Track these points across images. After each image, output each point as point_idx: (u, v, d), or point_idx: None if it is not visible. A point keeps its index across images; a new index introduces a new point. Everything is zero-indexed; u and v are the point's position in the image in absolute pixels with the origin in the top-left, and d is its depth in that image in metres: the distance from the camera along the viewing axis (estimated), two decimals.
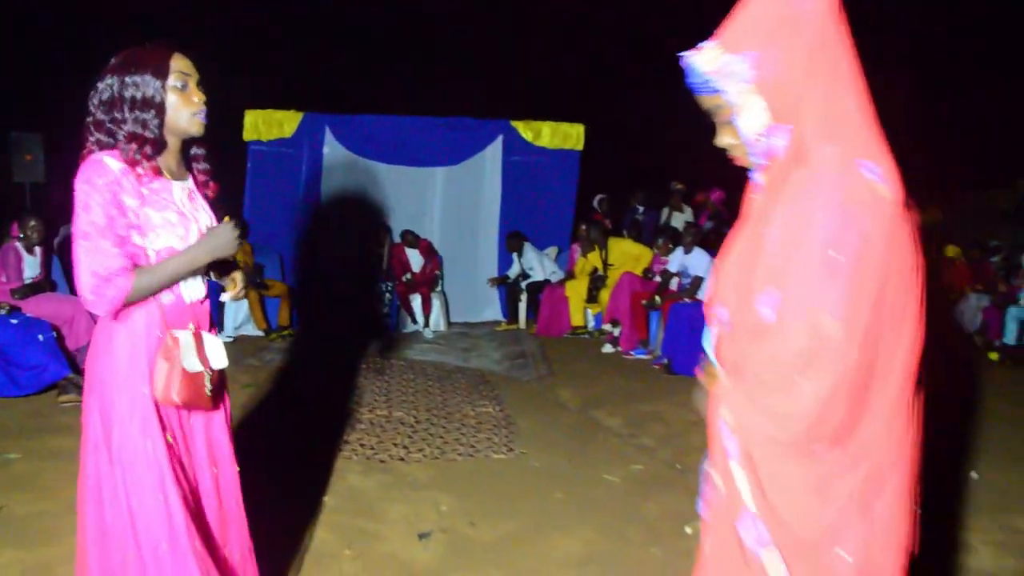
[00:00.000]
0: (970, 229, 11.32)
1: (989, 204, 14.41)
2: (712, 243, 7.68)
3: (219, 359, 2.10)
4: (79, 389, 5.16)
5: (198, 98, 2.02)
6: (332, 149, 9.02)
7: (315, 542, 3.39)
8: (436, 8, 13.05)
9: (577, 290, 8.62)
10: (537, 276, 9.01)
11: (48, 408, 5.09)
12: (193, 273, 2.06)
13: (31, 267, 5.71)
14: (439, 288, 9.09)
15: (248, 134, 8.86)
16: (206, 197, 2.18)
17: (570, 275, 8.89)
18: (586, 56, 12.21)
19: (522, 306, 9.14)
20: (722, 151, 1.54)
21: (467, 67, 13.14)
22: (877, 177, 1.31)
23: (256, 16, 13.06)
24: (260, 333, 7.82)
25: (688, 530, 3.67)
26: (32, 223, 5.67)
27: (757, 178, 1.51)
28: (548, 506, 3.92)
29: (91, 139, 1.96)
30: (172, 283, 2.02)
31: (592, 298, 8.52)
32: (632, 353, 7.62)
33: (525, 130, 9.43)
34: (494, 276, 9.41)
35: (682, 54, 1.45)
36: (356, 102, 9.70)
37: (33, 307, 5.52)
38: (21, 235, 5.66)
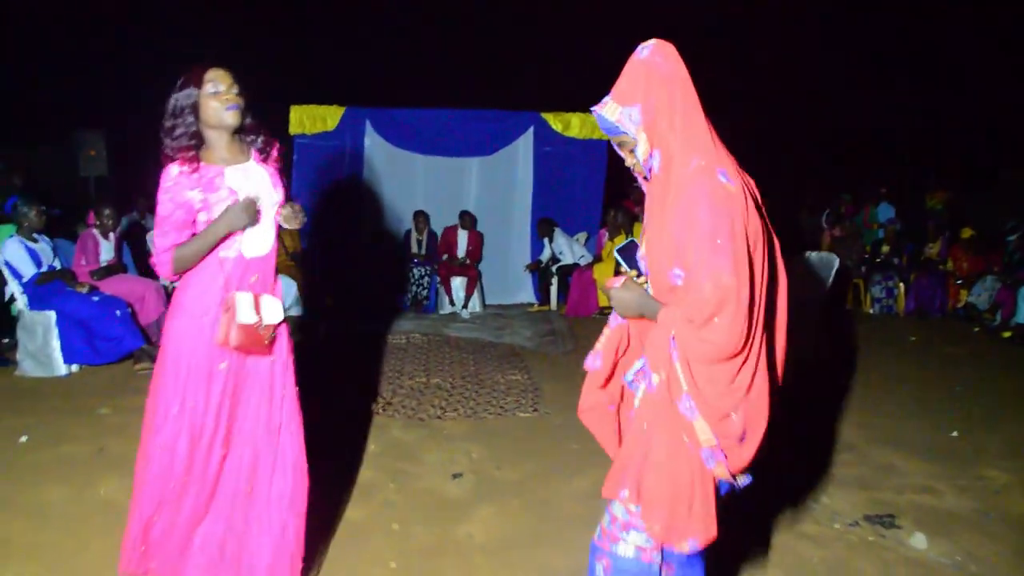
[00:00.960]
0: (1002, 210, 11.58)
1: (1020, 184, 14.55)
2: None
3: (274, 314, 2.63)
4: (152, 358, 5.82)
5: (227, 97, 2.54)
6: (372, 141, 9.59)
7: (363, 479, 3.97)
8: (470, 5, 13.59)
9: (605, 272, 9.10)
10: (567, 260, 9.53)
11: (125, 375, 5.75)
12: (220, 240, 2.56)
13: (107, 251, 6.38)
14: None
15: (294, 128, 9.47)
16: (276, 170, 2.74)
17: (598, 259, 9.38)
18: (613, 48, 12.69)
19: (553, 289, 9.66)
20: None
21: (500, 61, 13.67)
22: (728, 180, 1.86)
23: (297, 15, 13.71)
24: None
25: None
26: (107, 211, 6.33)
27: (645, 187, 2.06)
28: (565, 455, 4.45)
29: (166, 146, 2.53)
30: (206, 250, 2.54)
31: None
32: None
33: (555, 121, 9.90)
34: (529, 262, 9.94)
35: (592, 108, 2.03)
36: (395, 97, 10.27)
37: (109, 286, 6.18)
38: (97, 223, 6.32)
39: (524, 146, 9.95)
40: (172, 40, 12.96)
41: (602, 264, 9.18)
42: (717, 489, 2.03)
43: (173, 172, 2.50)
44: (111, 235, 6.44)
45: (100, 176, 10.00)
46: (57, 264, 6.01)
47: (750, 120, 13.14)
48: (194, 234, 2.54)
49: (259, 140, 2.72)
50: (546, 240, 9.66)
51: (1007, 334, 8.28)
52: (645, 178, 2.07)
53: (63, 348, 5.72)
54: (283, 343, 2.75)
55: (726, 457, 1.95)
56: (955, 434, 4.94)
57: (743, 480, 2.08)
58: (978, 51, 14.63)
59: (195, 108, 2.53)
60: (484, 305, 9.60)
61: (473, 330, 8.21)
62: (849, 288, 10.22)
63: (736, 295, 1.80)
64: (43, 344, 5.72)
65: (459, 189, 9.97)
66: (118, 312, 5.87)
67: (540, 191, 9.93)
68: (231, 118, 2.56)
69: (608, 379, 2.27)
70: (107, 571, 2.90)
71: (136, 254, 7.37)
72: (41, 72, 11.88)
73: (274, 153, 2.77)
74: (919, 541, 3.50)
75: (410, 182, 9.78)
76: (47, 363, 5.73)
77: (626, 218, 9.23)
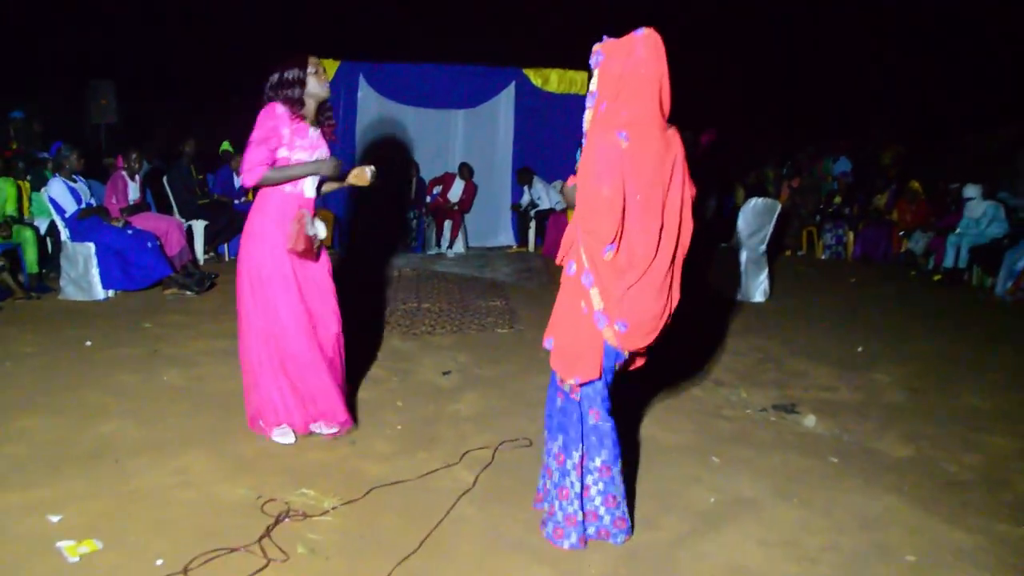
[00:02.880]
0: (958, 167, 12.51)
1: (977, 144, 15.54)
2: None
3: (322, 232, 3.60)
4: (178, 284, 6.70)
5: (324, 77, 3.57)
6: (365, 94, 10.35)
7: (370, 373, 4.89)
8: None
9: None
10: (544, 205, 10.42)
11: (156, 299, 6.63)
12: (303, 177, 3.55)
13: (134, 191, 7.22)
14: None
15: None
16: (328, 138, 3.69)
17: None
18: (589, 4, 13.46)
19: (531, 231, 10.57)
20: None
21: (484, 18, 14.39)
22: (623, 137, 2.65)
23: None
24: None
25: None
26: (134, 155, 7.16)
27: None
28: (535, 360, 5.37)
29: (265, 98, 3.45)
30: (289, 181, 3.54)
31: None
32: None
33: (535, 76, 10.73)
34: (510, 206, 10.84)
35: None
36: (386, 52, 10.98)
37: (138, 222, 7.01)
38: (126, 165, 7.13)
39: (506, 99, 10.78)
40: None
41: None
42: (604, 351, 2.86)
43: (279, 110, 3.47)
44: (137, 177, 7.26)
45: (110, 123, 10.70)
46: (94, 202, 6.84)
47: (732, 86, 13.96)
48: (274, 162, 3.49)
49: (330, 115, 3.64)
50: (526, 187, 10.52)
51: (937, 277, 9.25)
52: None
53: (101, 275, 6.57)
54: (324, 256, 3.75)
55: (610, 321, 2.80)
56: (860, 349, 5.93)
57: (625, 355, 2.92)
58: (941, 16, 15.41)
59: (302, 82, 3.46)
60: (467, 246, 10.49)
61: (457, 267, 9.12)
62: (803, 235, 11.19)
63: (609, 201, 2.65)
64: (84, 271, 6.57)
65: (446, 139, 10.80)
66: (149, 244, 6.72)
67: (520, 141, 10.78)
68: (325, 91, 3.58)
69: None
70: (183, 428, 3.85)
71: (156, 195, 8.19)
72: (53, 24, 12.46)
73: (330, 131, 3.73)
74: (810, 421, 4.47)
75: (401, 132, 10.58)
76: (88, 288, 6.59)
77: None
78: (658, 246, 2.82)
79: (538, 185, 10.46)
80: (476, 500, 3.26)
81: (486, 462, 3.64)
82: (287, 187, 3.55)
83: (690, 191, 2.86)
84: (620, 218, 2.67)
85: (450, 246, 10.14)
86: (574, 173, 2.98)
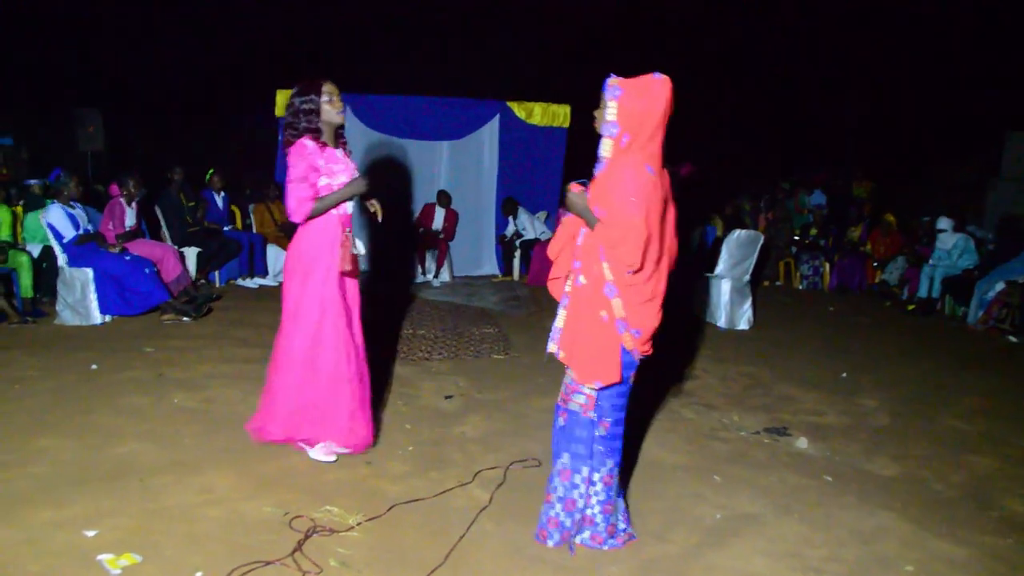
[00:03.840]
0: (927, 200, 12.94)
1: (945, 178, 16.12)
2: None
3: (361, 248, 3.84)
4: (175, 310, 6.77)
5: (338, 104, 3.69)
6: (352, 125, 10.45)
7: (375, 397, 4.99)
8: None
9: None
10: (529, 235, 10.61)
11: (155, 324, 6.68)
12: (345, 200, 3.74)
13: (130, 217, 7.29)
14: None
15: (280, 111, 10.35)
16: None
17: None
18: (574, 40, 13.83)
19: (516, 261, 10.74)
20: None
21: (470, 52, 14.70)
22: (651, 171, 2.86)
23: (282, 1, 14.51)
24: None
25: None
26: (132, 182, 7.23)
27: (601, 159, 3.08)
28: (532, 384, 5.53)
29: (288, 133, 3.62)
30: (334, 206, 3.74)
31: None
32: None
33: (519, 109, 10.96)
34: (495, 237, 11.02)
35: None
36: (373, 84, 11.19)
37: (134, 248, 7.09)
38: (124, 192, 7.21)
39: (490, 132, 10.98)
40: (166, 16, 13.69)
41: None
42: (623, 357, 3.04)
43: (310, 145, 3.63)
44: (134, 203, 7.34)
45: (96, 151, 10.75)
46: (91, 228, 6.91)
47: (707, 118, 14.32)
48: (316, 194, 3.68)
49: (343, 136, 3.81)
50: (511, 217, 10.71)
51: (911, 307, 9.55)
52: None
53: (99, 300, 6.63)
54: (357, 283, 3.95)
55: (629, 327, 2.98)
56: (844, 375, 6.15)
57: (638, 360, 3.11)
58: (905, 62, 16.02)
59: (316, 111, 3.63)
60: (452, 276, 10.62)
61: (445, 295, 9.25)
62: (781, 266, 11.48)
63: (638, 231, 2.84)
64: (81, 297, 6.62)
65: (431, 170, 10.96)
66: (147, 270, 6.80)
67: (504, 173, 10.98)
68: (340, 119, 3.74)
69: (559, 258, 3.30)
70: (200, 448, 3.94)
71: (147, 222, 8.26)
72: (41, 51, 12.51)
73: (347, 147, 3.92)
74: (802, 443, 4.66)
75: (387, 163, 10.73)
76: (84, 313, 6.63)
77: None
78: (657, 265, 3.04)
79: (523, 216, 10.66)
80: (493, 517, 3.39)
81: (498, 481, 3.77)
82: (333, 210, 3.73)
83: (672, 222, 3.10)
84: (646, 246, 2.87)
85: (436, 275, 10.28)
86: (578, 182, 3.17)
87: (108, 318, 6.75)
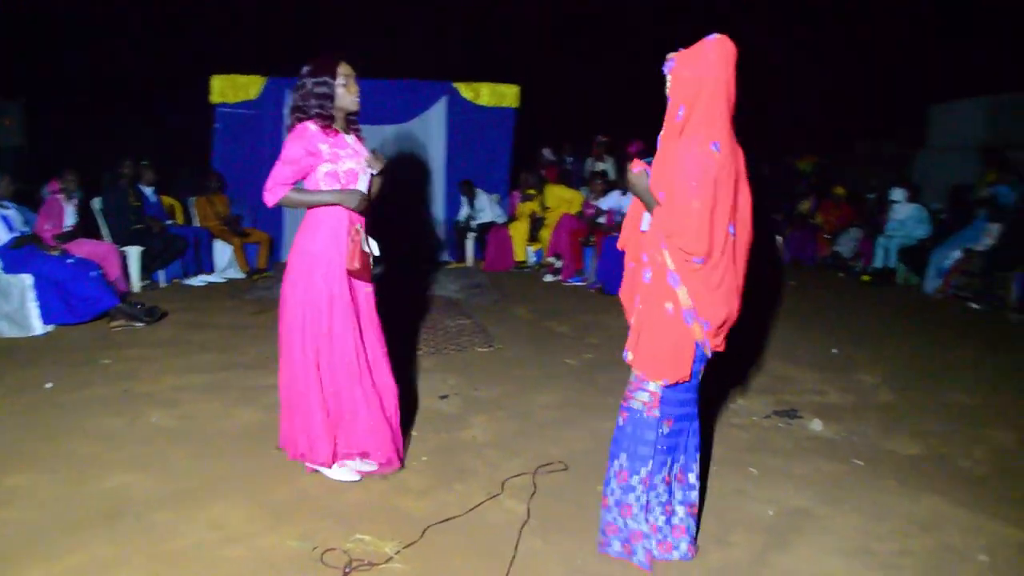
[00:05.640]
0: (861, 174, 13.15)
1: (875, 152, 16.55)
2: (625, 188, 9.08)
3: (376, 249, 3.40)
4: (126, 315, 6.26)
5: (354, 89, 3.32)
6: None
7: None
8: None
9: (519, 230, 9.95)
10: (486, 218, 10.29)
11: (104, 331, 6.14)
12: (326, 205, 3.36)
13: (70, 216, 6.71)
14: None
15: (215, 97, 9.81)
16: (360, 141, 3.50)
17: (512, 218, 10.21)
18: (522, 21, 13.50)
19: (469, 245, 10.42)
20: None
21: (416, 32, 14.23)
22: (716, 148, 2.60)
23: None
24: (243, 275, 8.82)
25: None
26: (70, 176, 6.65)
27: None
28: (527, 379, 5.26)
29: (295, 117, 3.23)
30: (312, 206, 3.33)
31: (533, 237, 9.88)
32: (570, 281, 9.02)
33: (466, 90, 10.62)
34: (441, 223, 10.68)
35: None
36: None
37: (75, 249, 6.52)
38: (62, 187, 6.62)
39: (438, 114, 10.62)
40: (89, 9, 12.81)
41: (517, 223, 10.01)
42: (695, 352, 2.82)
43: (312, 128, 3.25)
44: (74, 200, 6.76)
45: (16, 146, 9.99)
46: (27, 230, 6.32)
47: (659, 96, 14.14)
48: (296, 182, 3.32)
49: (356, 122, 3.43)
50: (465, 200, 10.38)
51: (866, 278, 9.62)
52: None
53: (40, 309, 6.06)
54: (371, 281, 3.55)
55: (697, 317, 2.75)
56: (835, 351, 6.08)
57: (709, 354, 2.90)
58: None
59: (330, 96, 3.26)
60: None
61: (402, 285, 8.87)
62: None
63: (699, 217, 2.60)
64: (19, 306, 6.04)
65: None
66: (92, 273, 6.25)
67: (453, 156, 10.64)
68: (355, 106, 3.36)
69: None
70: (196, 475, 3.54)
71: (85, 221, 7.65)
72: None
73: (361, 138, 3.53)
74: (816, 425, 4.52)
75: None
76: (23, 323, 6.06)
77: (537, 180, 10.09)
78: (726, 252, 2.79)
79: (482, 197, 10.34)
80: (537, 532, 3.12)
81: (529, 490, 3.50)
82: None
83: (749, 200, 2.85)
84: (709, 231, 2.61)
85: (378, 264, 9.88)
86: (640, 159, 2.91)
87: (51, 328, 6.19)
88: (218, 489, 3.38)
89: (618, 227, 8.65)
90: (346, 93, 3.32)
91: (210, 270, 8.55)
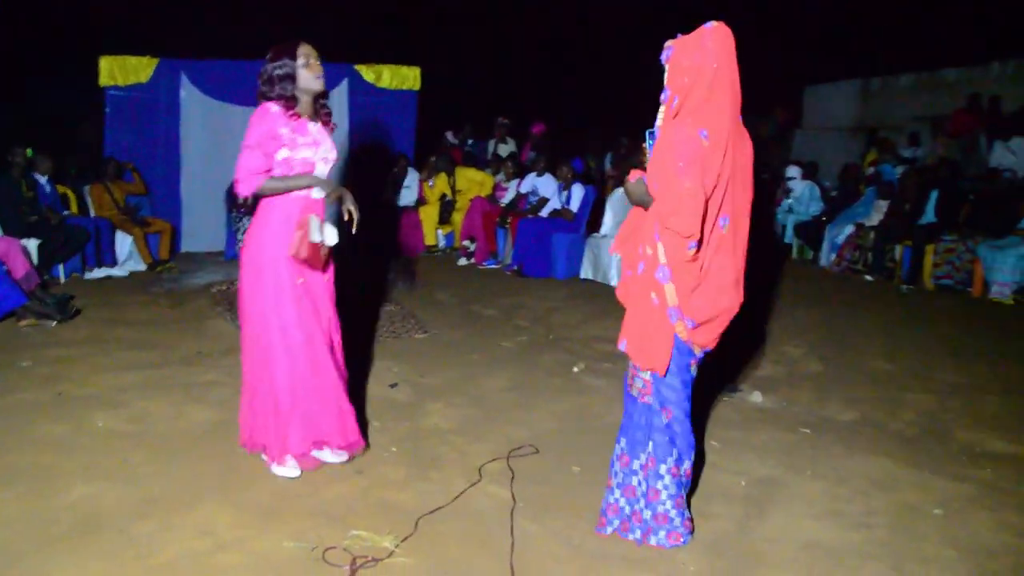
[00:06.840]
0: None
1: (755, 133, 17.18)
2: (540, 170, 9.13)
3: (332, 238, 3.29)
4: (35, 314, 5.88)
5: (316, 68, 3.24)
6: (189, 93, 9.59)
7: None
8: None
9: (430, 214, 9.89)
10: (409, 200, 10.17)
11: (10, 333, 5.72)
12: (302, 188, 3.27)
13: None
14: None
15: (104, 80, 9.27)
16: (329, 130, 3.42)
17: (421, 201, 10.13)
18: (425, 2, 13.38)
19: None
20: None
21: (315, 13, 13.81)
22: (704, 136, 2.65)
23: None
24: (145, 267, 8.39)
25: (576, 369, 5.19)
26: None
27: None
28: (471, 363, 5.28)
29: (260, 98, 3.16)
30: (286, 192, 3.24)
31: (444, 220, 9.84)
32: (485, 264, 9.05)
33: (367, 73, 10.45)
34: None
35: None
36: (210, 46, 10.24)
37: None
38: None
39: (338, 97, 10.36)
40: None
41: (427, 207, 9.96)
42: (674, 345, 2.90)
43: (273, 110, 3.18)
44: None
45: None
46: None
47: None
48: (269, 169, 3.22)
49: (326, 106, 3.32)
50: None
51: None
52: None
53: None
54: (330, 267, 3.45)
55: (681, 316, 2.83)
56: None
57: (699, 352, 2.97)
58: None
59: (292, 77, 3.13)
60: None
61: None
62: None
63: (691, 195, 2.67)
64: None
65: None
66: None
67: (355, 139, 10.44)
68: (318, 85, 3.27)
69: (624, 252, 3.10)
70: (168, 481, 3.39)
71: None
72: None
73: (330, 120, 3.39)
74: (757, 397, 4.75)
75: (228, 133, 9.87)
76: None
77: (446, 162, 10.06)
78: (733, 244, 2.87)
79: (411, 176, 10.24)
80: (528, 515, 3.16)
81: (506, 474, 3.53)
82: (297, 191, 3.28)
83: (750, 193, 2.92)
84: (702, 213, 2.68)
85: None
86: (638, 162, 2.95)
87: None
88: (192, 493, 3.24)
89: (533, 210, 8.80)
90: (307, 72, 3.24)
91: (111, 262, 8.10)
